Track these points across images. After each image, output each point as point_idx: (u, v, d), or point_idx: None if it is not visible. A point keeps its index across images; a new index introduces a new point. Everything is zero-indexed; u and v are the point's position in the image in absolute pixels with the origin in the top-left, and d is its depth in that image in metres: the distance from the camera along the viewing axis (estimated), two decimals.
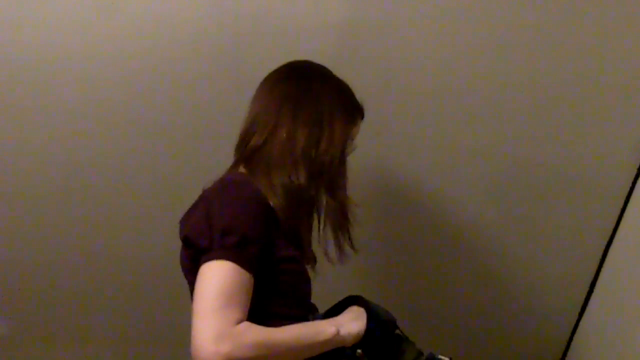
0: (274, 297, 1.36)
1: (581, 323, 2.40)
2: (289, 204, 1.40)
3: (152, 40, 1.90)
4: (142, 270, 2.29)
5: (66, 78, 1.94)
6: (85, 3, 1.87)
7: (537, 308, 2.38)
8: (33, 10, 1.87)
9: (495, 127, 2.01)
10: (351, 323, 1.40)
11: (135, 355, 2.53)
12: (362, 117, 1.59)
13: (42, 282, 2.33)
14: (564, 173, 2.08)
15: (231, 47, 1.89)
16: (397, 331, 1.48)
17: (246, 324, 1.24)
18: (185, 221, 1.43)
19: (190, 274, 1.34)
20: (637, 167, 2.02)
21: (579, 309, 2.37)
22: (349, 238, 1.51)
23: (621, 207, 2.10)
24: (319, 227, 1.53)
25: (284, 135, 1.44)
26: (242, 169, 1.47)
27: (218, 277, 1.25)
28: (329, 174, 1.46)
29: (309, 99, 1.48)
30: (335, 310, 1.47)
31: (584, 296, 2.33)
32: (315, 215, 1.54)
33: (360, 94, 1.74)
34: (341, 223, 1.50)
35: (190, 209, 1.43)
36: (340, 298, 1.51)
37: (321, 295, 1.53)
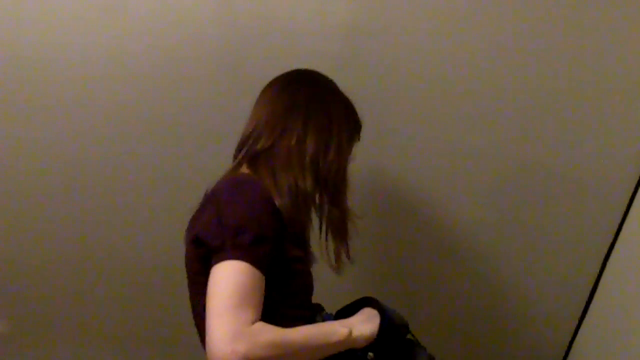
0: (283, 297, 1.36)
1: (582, 327, 2.39)
2: (294, 206, 1.41)
3: (158, 39, 1.91)
4: (142, 269, 2.30)
5: (70, 76, 1.95)
6: (90, 2, 1.88)
7: (538, 311, 2.38)
8: (38, 8, 1.88)
9: (498, 129, 2.02)
10: (364, 325, 1.41)
11: (135, 354, 2.53)
12: (360, 133, 1.65)
13: (42, 281, 2.34)
14: (566, 175, 2.08)
15: (236, 48, 1.90)
16: (409, 335, 1.49)
17: (261, 323, 1.24)
18: (194, 221, 1.43)
19: (200, 274, 1.35)
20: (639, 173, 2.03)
21: (580, 313, 2.36)
22: (347, 248, 1.53)
23: (624, 210, 2.10)
24: (320, 234, 1.55)
25: (294, 140, 1.48)
26: (245, 170, 1.49)
27: (232, 276, 1.25)
28: (333, 183, 1.50)
29: (319, 109, 1.53)
30: (347, 310, 1.49)
31: (585, 300, 2.33)
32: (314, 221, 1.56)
33: (362, 96, 1.75)
34: (341, 233, 1.53)
35: (198, 209, 1.44)
36: (339, 299, 1.52)
37: (320, 296, 1.54)
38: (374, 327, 1.41)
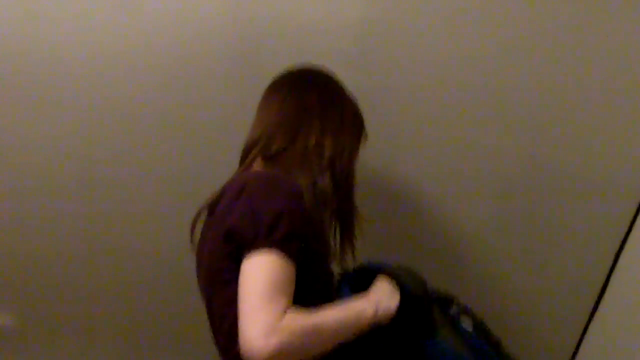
0: (309, 293, 1.38)
1: (590, 328, 2.39)
2: (314, 205, 1.45)
3: (169, 37, 1.93)
4: (150, 265, 2.32)
5: (81, 72, 1.98)
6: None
7: (546, 312, 2.38)
8: (50, 6, 1.91)
9: (508, 128, 2.03)
10: (386, 302, 1.42)
11: (141, 349, 2.56)
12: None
13: (49, 276, 2.37)
14: (576, 174, 2.09)
15: (245, 45, 1.92)
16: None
17: (293, 313, 1.28)
18: (222, 217, 1.43)
19: (225, 271, 1.39)
20: None
21: (588, 314, 2.36)
22: (352, 246, 1.59)
23: (635, 210, 2.10)
24: (334, 234, 1.60)
25: (312, 142, 1.53)
26: (257, 168, 1.53)
27: (266, 269, 1.29)
28: (347, 184, 1.55)
29: (332, 110, 1.59)
30: (361, 277, 1.52)
31: (594, 300, 2.33)
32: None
33: (372, 93, 1.77)
34: (348, 230, 1.58)
35: (222, 205, 1.45)
36: None
37: None
38: (395, 302, 1.43)
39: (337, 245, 1.62)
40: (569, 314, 2.38)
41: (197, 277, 1.60)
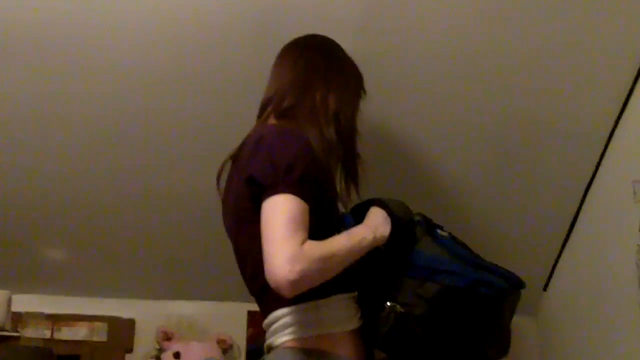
0: (321, 232, 1.46)
1: (562, 256, 2.61)
2: (323, 153, 1.57)
3: (199, 8, 2.00)
4: (183, 207, 2.48)
5: (118, 41, 2.05)
6: None
7: (522, 242, 2.59)
8: None
9: (492, 85, 2.14)
10: (382, 228, 1.56)
11: (175, 279, 2.79)
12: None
13: (94, 216, 2.54)
14: (551, 123, 2.22)
15: (262, 14, 2.00)
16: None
17: (310, 242, 1.39)
18: (244, 165, 1.54)
19: (249, 211, 1.50)
20: (614, 120, 2.17)
21: (561, 243, 2.57)
22: (357, 187, 1.73)
23: (601, 152, 2.26)
24: (339, 179, 1.72)
25: (318, 98, 1.67)
26: (273, 122, 1.67)
27: (284, 208, 1.40)
28: (349, 133, 1.70)
29: (336, 70, 1.74)
30: (360, 210, 1.65)
31: (566, 231, 2.53)
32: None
33: (375, 54, 1.90)
34: (352, 174, 1.72)
35: (245, 154, 1.56)
36: None
37: None
38: (388, 227, 1.56)
39: (342, 189, 1.71)
40: (543, 243, 2.60)
41: (224, 217, 1.70)
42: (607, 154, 2.26)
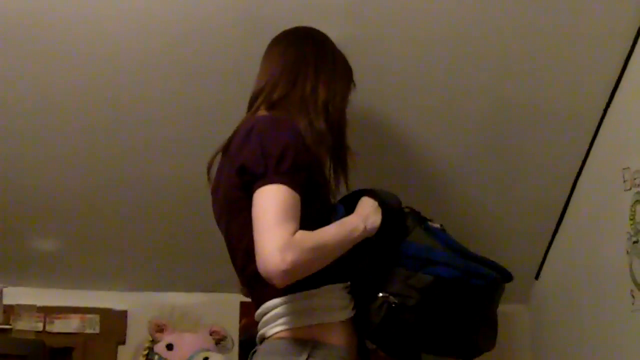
0: (313, 222, 1.47)
1: (554, 244, 2.62)
2: (313, 143, 1.59)
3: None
4: (173, 195, 2.48)
5: (113, 28, 2.03)
6: None
7: (513, 230, 2.60)
8: None
9: (481, 71, 2.15)
10: (372, 217, 1.57)
11: (167, 266, 2.79)
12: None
13: (88, 206, 2.53)
14: (540, 109, 2.23)
15: (252, 3, 2.00)
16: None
17: (301, 232, 1.40)
18: (236, 154, 1.54)
19: (240, 199, 1.51)
20: (604, 108, 2.19)
21: (552, 231, 2.58)
22: (346, 178, 1.75)
23: (590, 138, 2.27)
24: (330, 171, 1.73)
25: (308, 89, 1.68)
26: (264, 113, 1.67)
27: (275, 197, 1.41)
28: (338, 124, 1.71)
29: (326, 61, 1.75)
30: (350, 200, 1.65)
31: (557, 219, 2.54)
32: None
33: (363, 42, 1.90)
34: (342, 165, 1.73)
35: (235, 144, 1.56)
36: None
37: None
38: (379, 217, 1.58)
39: (332, 179, 1.72)
40: (535, 232, 2.60)
41: (214, 208, 1.71)
42: (596, 141, 2.27)
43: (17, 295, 2.79)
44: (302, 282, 1.43)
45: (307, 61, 1.73)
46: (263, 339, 1.56)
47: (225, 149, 1.66)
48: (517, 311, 2.85)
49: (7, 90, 2.19)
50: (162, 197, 2.50)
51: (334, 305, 1.56)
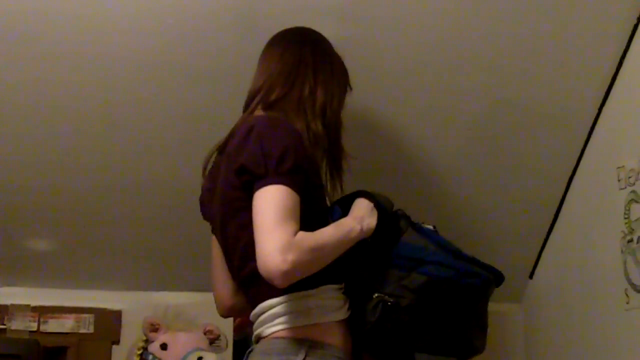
0: (310, 223, 1.48)
1: (548, 243, 2.62)
2: (310, 145, 1.60)
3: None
4: (167, 196, 2.48)
5: (108, 27, 2.03)
6: None
7: (508, 230, 2.59)
8: None
9: (477, 72, 2.16)
10: (368, 219, 1.58)
11: (161, 267, 2.78)
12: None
13: (84, 207, 2.53)
14: (535, 110, 2.25)
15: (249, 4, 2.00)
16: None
17: (302, 233, 1.41)
18: (234, 155, 1.53)
19: (239, 200, 1.52)
20: (598, 107, 2.20)
21: (547, 229, 2.58)
22: (341, 181, 1.75)
23: (585, 138, 2.28)
24: (325, 173, 1.74)
25: (306, 91, 1.68)
26: (260, 113, 1.67)
27: (275, 198, 1.42)
28: (336, 127, 1.72)
29: (324, 64, 1.75)
30: (345, 202, 1.65)
31: (551, 219, 2.54)
32: None
33: (358, 43, 1.90)
34: (337, 168, 1.74)
35: (231, 145, 1.57)
36: None
37: None
38: (375, 219, 1.59)
39: (327, 181, 1.73)
40: (529, 231, 2.60)
41: (207, 207, 1.74)
42: (591, 140, 2.28)
43: (11, 294, 2.78)
44: (299, 283, 1.44)
45: (305, 63, 1.72)
46: (259, 338, 1.57)
47: (222, 149, 1.66)
48: (511, 310, 2.84)
49: (1, 92, 2.19)
50: (156, 197, 2.50)
51: (331, 305, 1.56)
